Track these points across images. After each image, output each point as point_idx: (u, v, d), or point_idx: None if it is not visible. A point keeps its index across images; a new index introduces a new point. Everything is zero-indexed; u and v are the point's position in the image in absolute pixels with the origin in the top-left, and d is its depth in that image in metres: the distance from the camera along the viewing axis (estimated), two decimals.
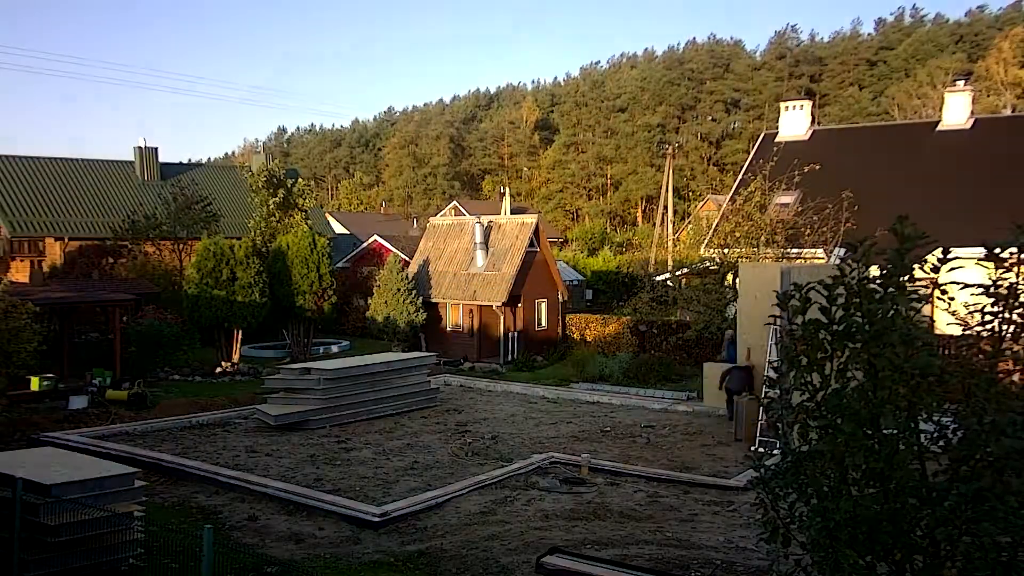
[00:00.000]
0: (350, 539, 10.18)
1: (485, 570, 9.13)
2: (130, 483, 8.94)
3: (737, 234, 23.95)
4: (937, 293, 4.81)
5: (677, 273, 26.39)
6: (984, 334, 4.82)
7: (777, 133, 32.70)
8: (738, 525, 10.56)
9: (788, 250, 23.70)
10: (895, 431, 4.62)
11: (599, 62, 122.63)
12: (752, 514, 10.69)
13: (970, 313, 4.90)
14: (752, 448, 14.09)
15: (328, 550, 9.76)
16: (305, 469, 13.31)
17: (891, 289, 4.62)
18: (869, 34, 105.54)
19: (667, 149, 34.73)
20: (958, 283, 4.83)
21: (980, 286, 4.80)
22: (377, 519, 10.54)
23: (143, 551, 8.81)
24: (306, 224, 31.10)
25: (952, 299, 4.80)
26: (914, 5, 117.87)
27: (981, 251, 4.73)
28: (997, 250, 4.73)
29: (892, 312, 4.57)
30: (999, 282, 4.76)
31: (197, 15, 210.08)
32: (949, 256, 4.72)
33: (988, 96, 63.16)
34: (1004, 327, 4.74)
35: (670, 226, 32.56)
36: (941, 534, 4.53)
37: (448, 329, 26.84)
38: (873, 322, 4.59)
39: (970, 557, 4.53)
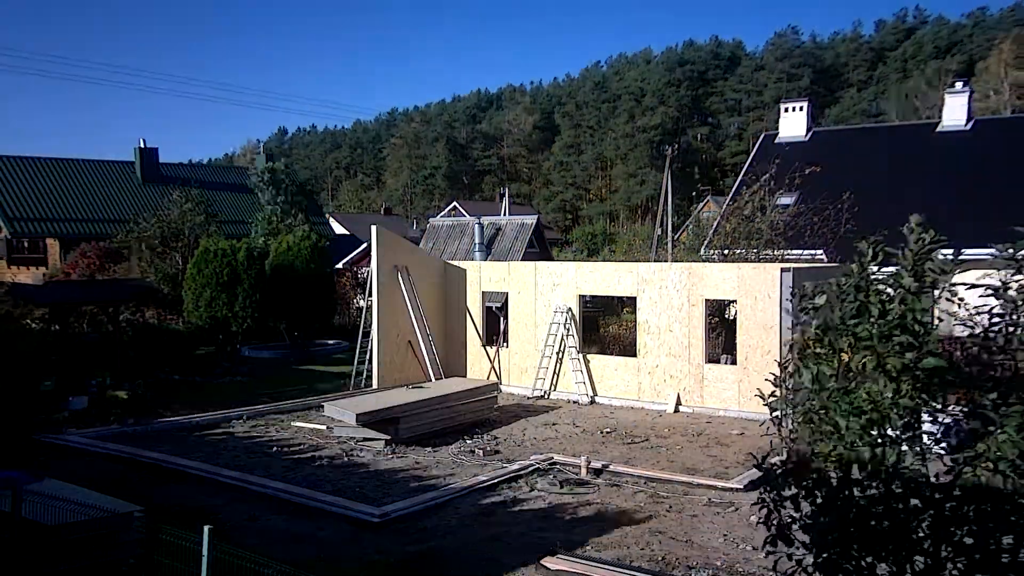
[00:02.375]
0: (350, 540, 10.17)
1: (485, 571, 9.13)
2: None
3: (737, 235, 23.95)
4: (946, 294, 4.79)
5: None
6: (991, 335, 4.81)
7: (777, 134, 32.72)
8: (739, 526, 10.55)
9: (788, 251, 23.71)
10: (899, 432, 4.62)
11: (600, 63, 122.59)
12: (753, 515, 10.69)
13: (978, 314, 4.89)
14: None
15: (328, 551, 9.76)
16: (305, 469, 13.30)
17: (901, 290, 4.61)
18: (870, 35, 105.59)
19: (667, 150, 34.70)
20: (964, 284, 4.82)
21: (988, 287, 4.79)
22: (377, 520, 10.54)
23: (143, 551, 8.80)
24: (307, 224, 31.13)
25: (962, 299, 4.79)
26: (916, 7, 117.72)
27: (982, 252, 4.72)
28: (1010, 251, 4.72)
29: (902, 312, 4.55)
30: (1008, 284, 4.75)
31: (199, 15, 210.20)
32: (960, 257, 4.70)
33: (989, 97, 63.21)
34: (1012, 329, 4.73)
35: (670, 227, 32.54)
36: (943, 535, 4.52)
37: None
38: (883, 323, 4.57)
39: (971, 558, 4.53)
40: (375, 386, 19.81)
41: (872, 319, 4.58)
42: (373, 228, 21.17)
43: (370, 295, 20.93)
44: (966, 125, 28.92)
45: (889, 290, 4.66)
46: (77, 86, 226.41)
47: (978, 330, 4.86)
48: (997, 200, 24.50)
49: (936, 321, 4.79)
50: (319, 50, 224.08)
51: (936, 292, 4.67)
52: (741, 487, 11.99)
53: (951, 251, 4.74)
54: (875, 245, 4.75)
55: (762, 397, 5.16)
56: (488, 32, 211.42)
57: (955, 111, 29.29)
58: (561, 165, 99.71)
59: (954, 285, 4.68)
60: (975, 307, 4.84)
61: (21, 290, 20.61)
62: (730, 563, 9.29)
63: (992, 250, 4.85)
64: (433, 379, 19.93)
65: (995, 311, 4.76)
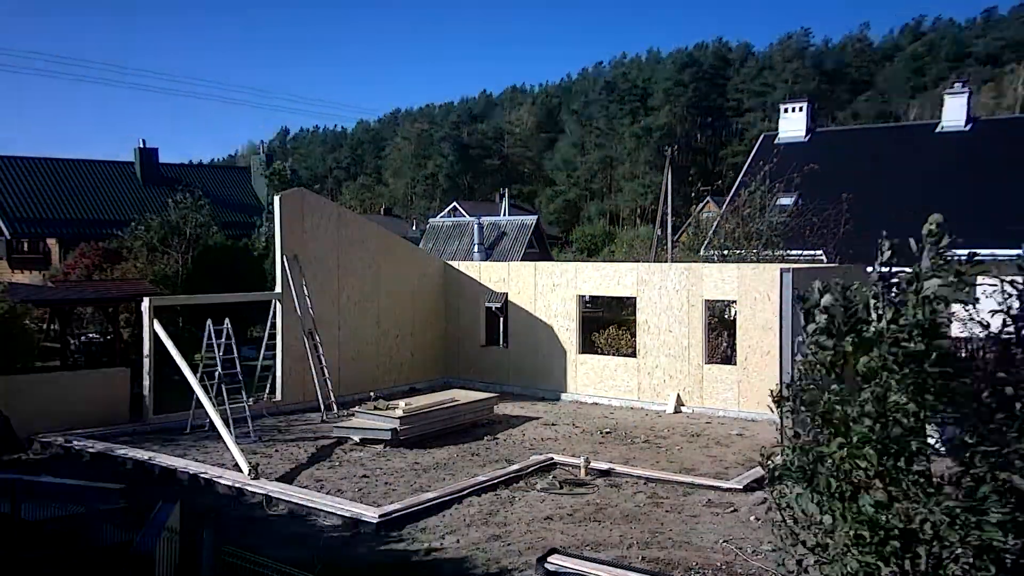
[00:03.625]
0: (350, 540, 10.18)
1: (485, 571, 9.14)
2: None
3: (737, 235, 23.97)
4: (963, 296, 4.74)
5: None
6: (1006, 336, 4.77)
7: (777, 134, 32.74)
8: (739, 526, 10.56)
9: (788, 251, 23.72)
10: (907, 434, 4.58)
11: (604, 63, 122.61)
12: (753, 515, 10.71)
13: (993, 315, 4.85)
14: None
15: (328, 551, 9.76)
16: (304, 470, 13.31)
17: (911, 292, 4.57)
18: (878, 37, 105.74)
19: (667, 150, 34.72)
20: (986, 285, 4.78)
21: (1007, 288, 4.75)
22: (377, 520, 10.54)
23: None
24: None
25: (976, 300, 4.74)
26: (922, 15, 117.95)
27: (982, 252, 4.71)
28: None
29: (913, 315, 4.52)
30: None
31: (201, 16, 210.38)
32: (976, 258, 4.66)
33: (995, 99, 63.20)
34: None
35: (670, 228, 32.58)
36: (947, 533, 4.51)
37: None
38: (893, 325, 4.54)
39: (975, 559, 4.52)
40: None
41: (881, 321, 4.55)
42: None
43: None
44: (965, 125, 28.95)
45: (900, 291, 4.64)
46: (77, 86, 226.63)
47: (993, 330, 4.82)
48: (996, 200, 24.52)
49: (948, 322, 4.75)
50: (321, 50, 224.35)
51: (953, 293, 4.63)
52: (741, 488, 11.99)
53: (965, 252, 4.70)
54: (892, 245, 4.70)
55: (773, 402, 5.13)
56: (490, 32, 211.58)
57: (954, 111, 29.34)
58: (564, 164, 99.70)
59: (973, 286, 4.64)
60: (996, 308, 4.79)
61: (20, 290, 20.61)
62: (729, 564, 9.29)
63: (992, 251, 4.85)
64: (322, 404, 17.57)
65: (1012, 312, 4.71)
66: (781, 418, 5.22)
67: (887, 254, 4.70)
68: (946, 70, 77.91)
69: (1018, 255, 4.73)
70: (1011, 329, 4.76)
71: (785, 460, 5.11)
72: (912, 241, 4.72)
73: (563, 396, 19.94)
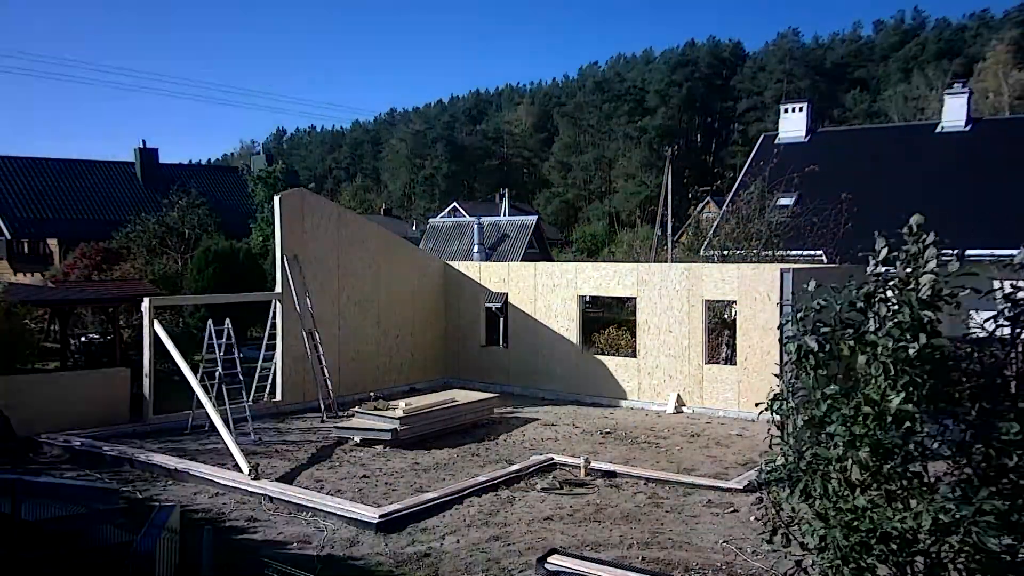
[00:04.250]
0: (350, 540, 10.18)
1: (485, 571, 9.14)
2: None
3: (737, 236, 23.97)
4: (947, 296, 4.76)
5: None
6: (997, 337, 4.79)
7: (777, 134, 32.73)
8: (738, 527, 10.56)
9: (788, 251, 23.72)
10: (902, 434, 4.59)
11: (599, 63, 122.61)
12: (753, 515, 10.70)
13: (986, 319, 4.86)
14: None
15: (328, 552, 9.76)
16: (304, 470, 13.31)
17: (905, 292, 4.59)
18: (870, 36, 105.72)
19: (667, 151, 34.75)
20: (967, 288, 4.80)
21: (996, 291, 4.76)
22: (377, 520, 10.54)
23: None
24: None
25: (959, 303, 4.76)
26: (919, 7, 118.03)
27: (982, 252, 4.73)
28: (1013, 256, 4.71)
29: (906, 315, 4.53)
30: (1015, 288, 4.73)
31: (199, 17, 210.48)
32: (964, 259, 4.68)
33: (988, 98, 63.26)
34: (1019, 331, 4.72)
35: (670, 228, 32.62)
36: (942, 535, 4.52)
37: None
38: (887, 325, 4.55)
39: (971, 560, 4.52)
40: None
41: (876, 322, 4.56)
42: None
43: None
44: (965, 126, 28.94)
45: (890, 293, 4.65)
46: (77, 86, 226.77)
47: (983, 333, 4.84)
48: (997, 200, 24.52)
49: (938, 322, 4.76)
50: (318, 50, 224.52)
51: (940, 294, 4.65)
52: (740, 488, 11.99)
53: (954, 252, 4.72)
54: (888, 246, 4.70)
55: (767, 407, 5.13)
56: (487, 32, 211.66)
57: (955, 111, 29.32)
58: (561, 165, 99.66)
59: (960, 288, 4.65)
60: (976, 311, 4.82)
61: (20, 290, 20.62)
62: (729, 564, 9.29)
63: (992, 251, 4.85)
64: (322, 404, 17.50)
65: (1005, 312, 4.74)
66: (774, 420, 5.22)
67: (883, 253, 4.71)
68: (941, 70, 77.84)
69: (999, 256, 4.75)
70: (1008, 330, 4.79)
71: (783, 462, 5.12)
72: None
73: (563, 396, 19.93)
